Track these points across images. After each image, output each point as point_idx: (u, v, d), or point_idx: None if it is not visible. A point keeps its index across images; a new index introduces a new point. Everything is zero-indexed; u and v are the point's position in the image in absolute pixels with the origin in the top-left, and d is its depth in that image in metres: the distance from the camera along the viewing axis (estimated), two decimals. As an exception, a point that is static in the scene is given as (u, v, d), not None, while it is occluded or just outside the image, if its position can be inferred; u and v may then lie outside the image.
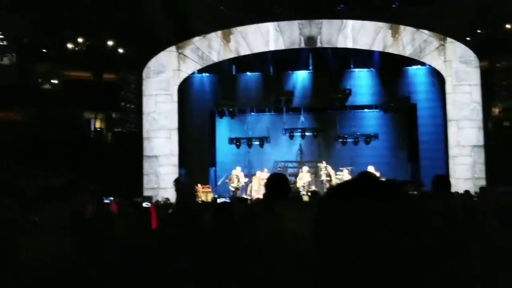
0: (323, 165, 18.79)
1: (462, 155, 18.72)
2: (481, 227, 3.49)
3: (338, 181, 17.38)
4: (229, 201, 12.07)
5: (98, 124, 19.58)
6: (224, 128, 20.69)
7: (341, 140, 19.87)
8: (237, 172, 18.44)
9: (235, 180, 18.02)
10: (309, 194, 10.41)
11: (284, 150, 20.27)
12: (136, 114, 18.94)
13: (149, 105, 18.75)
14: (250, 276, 2.67)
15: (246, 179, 18.29)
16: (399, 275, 0.79)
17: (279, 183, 3.31)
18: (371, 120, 20.73)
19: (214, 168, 20.15)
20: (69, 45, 18.02)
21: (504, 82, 18.88)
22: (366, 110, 20.70)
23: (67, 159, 15.03)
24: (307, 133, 19.89)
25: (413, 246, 0.86)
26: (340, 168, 18.70)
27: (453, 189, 8.63)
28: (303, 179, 18.44)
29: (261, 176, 17.75)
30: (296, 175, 19.09)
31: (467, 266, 2.76)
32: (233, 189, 17.94)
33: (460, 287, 2.57)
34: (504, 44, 18.24)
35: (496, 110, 19.06)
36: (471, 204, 5.51)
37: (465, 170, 18.42)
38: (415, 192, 13.96)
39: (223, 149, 20.33)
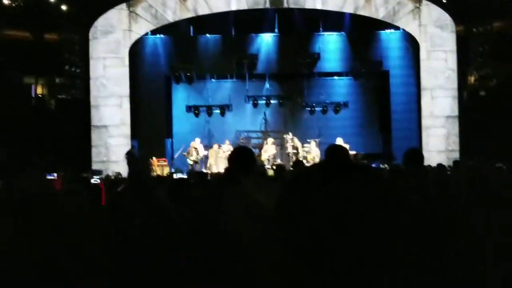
0: (289, 136, 18.51)
1: (435, 126, 18.84)
2: (455, 202, 3.55)
3: (305, 154, 17.98)
4: (186, 176, 11.96)
5: (39, 90, 18.86)
6: (181, 95, 20.29)
7: (308, 109, 19.73)
8: (196, 143, 18.11)
9: (194, 153, 17.72)
10: (274, 168, 10.29)
11: (247, 120, 20.00)
12: (82, 79, 18.38)
13: (96, 69, 18.23)
14: (217, 261, 2.63)
15: (206, 152, 18.04)
16: (371, 252, 0.71)
17: (244, 157, 3.28)
18: (340, 88, 20.57)
19: (170, 139, 19.72)
20: (5, 1, 16.80)
21: (481, 49, 18.66)
22: (335, 77, 20.50)
23: (5, 129, 14.51)
24: (272, 101, 19.64)
25: (384, 223, 0.82)
26: (308, 140, 18.57)
27: (426, 162, 8.79)
28: (268, 151, 18.20)
29: (222, 149, 17.80)
30: (260, 147, 18.87)
31: (440, 242, 2.83)
32: (191, 163, 17.65)
33: (434, 263, 2.64)
34: (481, 8, 17.89)
35: (471, 79, 18.91)
36: (444, 178, 5.45)
37: (439, 142, 18.56)
38: (386, 166, 14.42)
39: (180, 118, 19.96)
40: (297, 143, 18.24)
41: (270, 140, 18.32)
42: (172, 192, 3.87)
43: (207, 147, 18.59)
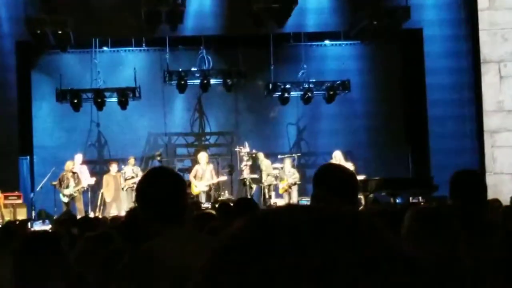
0: (244, 149, 16.66)
1: (508, 129, 16.78)
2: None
3: (274, 181, 16.45)
4: (51, 228, 10.98)
5: None
6: (47, 76, 18.44)
7: (278, 94, 17.40)
8: (75, 164, 16.38)
9: (71, 181, 15.97)
10: (217, 207, 9.46)
11: (168, 114, 18.54)
12: None
13: None
14: None
15: (93, 179, 16.56)
16: None
17: (165, 192, 2.89)
18: (335, 60, 18.73)
19: (27, 157, 17.93)
20: None
21: None
22: (326, 40, 18.78)
23: None
24: (212, 81, 17.67)
25: None
26: (280, 156, 16.87)
27: (491, 194, 9.03)
28: (204, 177, 16.09)
29: (125, 173, 16.54)
30: (189, 169, 17.04)
31: None
32: (65, 200, 15.90)
33: None
34: None
35: None
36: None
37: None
38: (421, 200, 14.17)
39: (46, 118, 18.25)
40: (262, 160, 16.42)
41: (203, 155, 16.34)
42: (18, 265, 3.27)
43: (97, 170, 17.86)
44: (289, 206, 0.91)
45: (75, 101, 17.01)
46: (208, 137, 18.79)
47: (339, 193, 3.05)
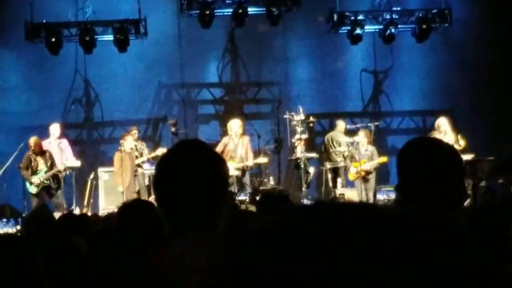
0: (298, 116, 13.93)
1: None
2: None
3: (342, 162, 14.37)
4: (18, 231, 11.68)
5: None
6: (9, 1, 16.22)
7: (347, 30, 14.84)
8: (51, 136, 14.25)
9: (39, 163, 13.90)
10: (257, 200, 9.24)
11: (186, 58, 15.69)
12: None
13: None
14: None
15: (78, 162, 14.21)
16: None
17: (204, 178, 2.48)
18: None
19: None
20: None
21: None
22: None
23: None
24: (250, 10, 15.17)
25: None
26: (349, 126, 14.61)
27: None
28: (237, 156, 13.49)
29: (126, 147, 13.70)
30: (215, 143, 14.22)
31: None
32: (34, 190, 13.91)
33: None
34: None
35: None
36: None
37: None
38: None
39: (10, 63, 15.77)
40: (339, 133, 14.42)
41: (237, 123, 13.62)
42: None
43: (84, 146, 16.03)
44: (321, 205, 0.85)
45: (53, 40, 14.59)
46: (244, 92, 16.10)
47: (434, 181, 2.57)
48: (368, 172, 13.55)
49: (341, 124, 14.50)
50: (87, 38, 14.69)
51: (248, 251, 0.79)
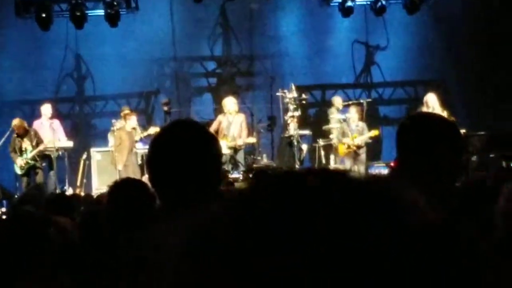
0: (291, 93, 13.67)
1: None
2: None
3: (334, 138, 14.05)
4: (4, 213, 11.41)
5: None
6: None
7: (338, 2, 14.93)
8: (43, 116, 14.29)
9: (24, 143, 13.80)
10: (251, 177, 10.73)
11: (178, 30, 15.55)
12: None
13: None
14: None
15: (70, 142, 14.05)
16: None
17: (193, 160, 2.49)
18: None
19: None
20: None
21: None
22: None
23: None
24: None
25: None
26: (339, 101, 14.41)
27: None
28: (230, 134, 13.45)
29: (127, 125, 13.63)
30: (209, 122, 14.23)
31: None
32: (20, 171, 13.83)
33: None
34: None
35: None
36: None
37: None
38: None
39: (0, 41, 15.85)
40: (335, 111, 14.07)
41: (231, 101, 13.46)
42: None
43: (77, 125, 15.70)
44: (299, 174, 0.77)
45: (43, 15, 14.28)
46: (236, 65, 15.73)
47: (422, 153, 2.54)
48: (359, 147, 13.38)
49: (337, 101, 14.14)
50: (78, 13, 14.41)
51: (229, 233, 0.71)
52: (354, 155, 12.96)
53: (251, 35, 16.34)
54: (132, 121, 13.95)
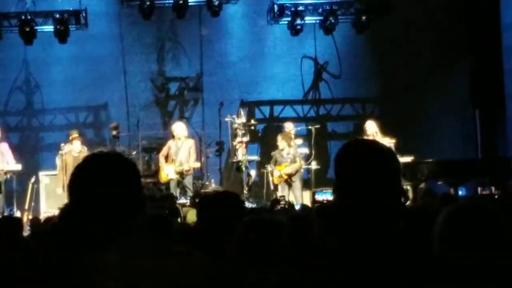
0: (240, 118, 14.25)
1: None
2: None
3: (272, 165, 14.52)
4: None
5: None
6: None
7: (287, 21, 15.42)
8: None
9: None
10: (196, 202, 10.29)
11: (128, 49, 16.10)
12: None
13: None
14: None
15: (18, 165, 14.17)
16: None
17: (113, 185, 2.56)
18: None
19: None
20: None
21: None
22: None
23: None
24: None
25: None
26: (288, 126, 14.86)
27: None
28: (178, 158, 13.76)
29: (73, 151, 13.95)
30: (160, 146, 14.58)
31: None
32: None
33: None
34: None
35: None
36: None
37: None
38: (495, 192, 12.84)
39: None
40: (287, 135, 13.91)
41: (181, 127, 13.66)
42: None
43: (26, 148, 15.74)
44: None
45: None
46: (185, 80, 16.13)
47: (370, 183, 2.56)
48: (290, 175, 13.44)
49: (287, 126, 14.25)
50: (27, 29, 14.32)
51: None
52: (289, 183, 12.99)
53: (200, 55, 16.26)
54: (75, 145, 13.92)
